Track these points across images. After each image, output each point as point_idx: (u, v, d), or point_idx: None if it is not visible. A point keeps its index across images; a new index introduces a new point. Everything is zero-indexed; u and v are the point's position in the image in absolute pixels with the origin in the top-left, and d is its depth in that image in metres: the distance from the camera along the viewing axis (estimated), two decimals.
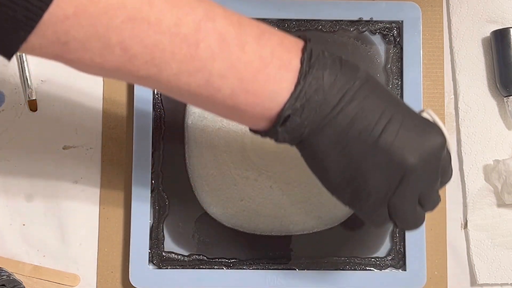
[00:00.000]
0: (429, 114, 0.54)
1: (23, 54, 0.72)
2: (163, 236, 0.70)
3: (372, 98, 0.50)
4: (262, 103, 0.48)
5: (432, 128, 0.51)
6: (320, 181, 0.53)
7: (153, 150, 0.70)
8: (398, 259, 0.70)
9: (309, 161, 0.53)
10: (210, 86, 0.47)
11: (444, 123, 0.72)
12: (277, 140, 0.51)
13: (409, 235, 0.69)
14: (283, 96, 0.48)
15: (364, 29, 0.72)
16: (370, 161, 0.50)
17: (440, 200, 0.56)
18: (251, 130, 0.53)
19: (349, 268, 0.69)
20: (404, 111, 0.51)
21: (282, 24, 0.71)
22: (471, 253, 0.71)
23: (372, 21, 0.71)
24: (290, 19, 0.71)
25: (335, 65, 0.50)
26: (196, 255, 0.70)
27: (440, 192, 0.71)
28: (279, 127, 0.49)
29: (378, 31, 0.72)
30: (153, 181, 0.70)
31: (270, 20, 0.71)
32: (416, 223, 0.55)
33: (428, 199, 0.54)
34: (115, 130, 0.72)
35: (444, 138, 0.52)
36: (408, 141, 0.50)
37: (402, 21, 0.71)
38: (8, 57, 0.43)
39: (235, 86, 0.47)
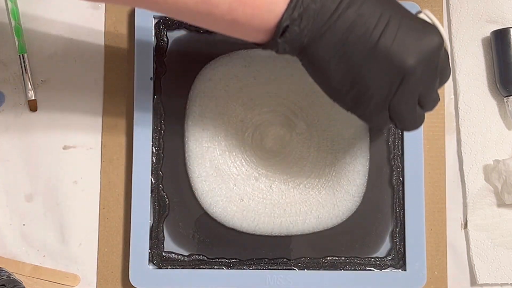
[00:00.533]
0: (426, 15, 0.54)
1: (24, 54, 0.72)
2: (163, 236, 0.70)
3: (369, 3, 0.50)
4: (260, 15, 0.49)
5: (430, 29, 0.52)
6: (322, 89, 0.54)
7: (153, 150, 0.70)
8: (398, 259, 0.70)
9: (311, 70, 0.54)
10: (208, 2, 0.48)
11: (444, 123, 0.72)
12: (277, 51, 0.52)
13: (409, 235, 0.69)
14: (280, 6, 0.49)
15: None
16: (370, 65, 0.51)
17: (439, 99, 0.57)
18: (252, 43, 0.54)
19: (349, 268, 0.69)
20: (401, 14, 0.52)
21: None
22: (471, 253, 0.71)
23: None
24: None
25: None
26: (196, 255, 0.70)
27: (440, 192, 0.71)
28: (278, 38, 0.50)
29: None
30: (153, 181, 0.70)
31: None
32: (416, 124, 0.56)
33: (428, 99, 0.55)
34: (115, 130, 0.72)
35: (441, 38, 0.52)
36: (406, 43, 0.50)
37: None
38: None
39: (232, 0, 0.48)
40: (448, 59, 0.56)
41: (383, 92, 0.52)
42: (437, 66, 0.53)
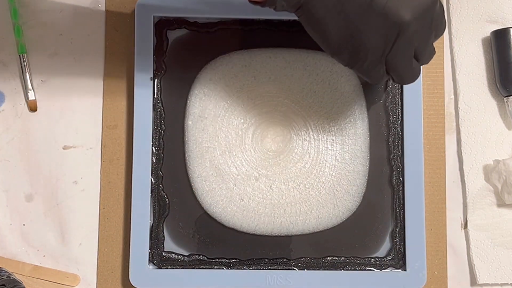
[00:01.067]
0: None
1: (23, 54, 0.72)
2: (163, 236, 0.70)
3: None
4: None
5: None
6: (320, 45, 0.56)
7: (153, 150, 0.70)
8: (398, 259, 0.70)
9: (309, 26, 0.55)
10: None
11: (444, 123, 0.72)
12: (275, 8, 0.54)
13: (409, 235, 0.69)
14: None
15: None
16: (366, 21, 0.52)
17: (435, 52, 0.58)
18: (250, 1, 0.55)
19: (349, 268, 0.69)
20: None
21: (282, 24, 0.71)
22: (471, 253, 0.71)
23: None
24: (290, 19, 0.71)
25: None
26: (196, 255, 0.70)
27: (440, 192, 0.71)
28: None
29: None
30: (153, 181, 0.70)
31: (270, 20, 0.71)
32: (413, 77, 0.57)
33: (424, 52, 0.56)
34: (115, 130, 0.72)
35: None
36: None
37: None
38: None
39: None
40: (443, 13, 0.57)
41: (379, 47, 0.53)
42: (432, 20, 0.54)
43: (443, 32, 0.58)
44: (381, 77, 0.57)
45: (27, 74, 0.72)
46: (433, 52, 0.58)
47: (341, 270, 0.69)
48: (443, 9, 0.57)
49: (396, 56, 0.54)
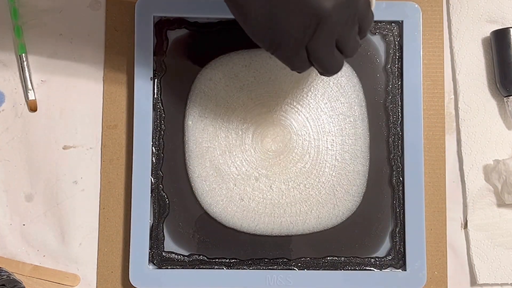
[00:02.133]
0: None
1: (23, 54, 0.72)
2: (163, 236, 0.70)
3: None
4: None
5: None
6: (243, 28, 0.55)
7: (153, 150, 0.70)
8: (398, 259, 0.70)
9: (233, 9, 0.55)
10: None
11: (444, 123, 0.72)
12: None
13: (409, 235, 0.69)
14: None
15: None
16: (287, 7, 0.52)
17: (359, 45, 0.57)
18: None
19: (349, 268, 0.69)
20: None
21: None
22: (471, 253, 0.71)
23: None
24: None
25: None
26: (196, 255, 0.70)
27: (440, 192, 0.71)
28: None
29: (378, 31, 0.72)
30: (153, 181, 0.70)
31: None
32: (334, 68, 0.57)
33: (347, 44, 0.56)
34: (115, 130, 0.72)
35: None
36: None
37: (402, 21, 0.71)
38: None
39: None
40: (369, 6, 0.57)
41: (299, 35, 0.53)
42: (356, 12, 0.54)
43: (370, 26, 0.57)
44: (303, 66, 0.56)
45: (27, 74, 0.72)
46: (357, 45, 0.57)
47: (341, 270, 0.69)
48: (370, 3, 0.57)
49: (317, 45, 0.54)
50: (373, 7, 0.58)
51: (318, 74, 0.71)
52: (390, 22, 0.72)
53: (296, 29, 0.53)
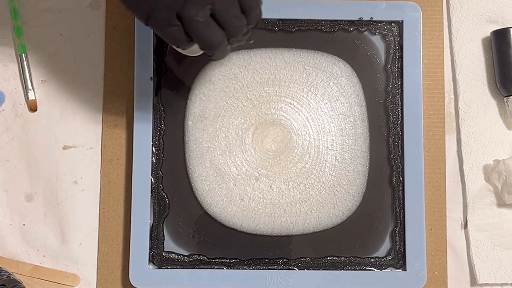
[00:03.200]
0: None
1: (23, 54, 0.72)
2: (163, 236, 0.70)
3: None
4: None
5: None
6: None
7: (153, 150, 0.70)
8: (398, 259, 0.70)
9: None
10: None
11: (444, 123, 0.72)
12: None
13: (409, 235, 0.69)
14: None
15: (364, 29, 0.72)
16: None
17: (242, 25, 0.55)
18: None
19: (349, 268, 0.69)
20: None
21: (282, 24, 0.71)
22: (471, 253, 0.71)
23: (372, 21, 0.71)
24: (290, 19, 0.71)
25: None
26: (196, 255, 0.70)
27: (440, 192, 0.71)
28: None
29: (378, 31, 0.72)
30: (153, 181, 0.70)
31: (270, 20, 0.71)
32: (213, 43, 0.55)
33: (224, 19, 0.54)
34: (115, 130, 0.72)
35: None
36: None
37: (402, 21, 0.71)
38: None
39: None
40: None
41: (169, 4, 0.52)
42: None
43: (256, 14, 0.56)
44: (180, 38, 0.55)
45: (27, 74, 0.72)
46: (240, 24, 0.55)
47: (341, 270, 0.69)
48: None
49: (189, 13, 0.52)
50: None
51: (319, 74, 0.71)
52: (390, 22, 0.72)
53: None
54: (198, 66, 0.71)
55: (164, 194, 0.70)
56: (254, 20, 0.56)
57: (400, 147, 0.70)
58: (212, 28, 0.54)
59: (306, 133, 0.71)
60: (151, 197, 0.69)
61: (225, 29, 0.55)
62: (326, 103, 0.71)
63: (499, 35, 0.71)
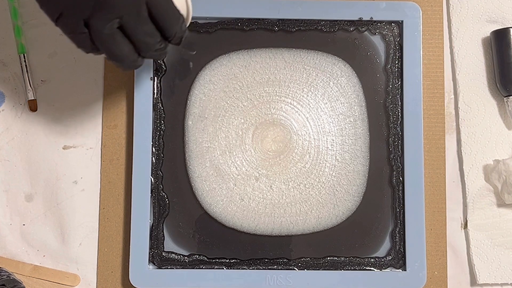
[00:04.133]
0: None
1: (23, 54, 0.72)
2: (163, 236, 0.70)
3: None
4: None
5: None
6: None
7: (153, 150, 0.70)
8: (398, 259, 0.70)
9: None
10: None
11: (444, 123, 0.72)
12: None
13: (409, 235, 0.69)
14: None
15: (364, 29, 0.72)
16: None
17: (153, 42, 0.56)
18: None
19: (349, 268, 0.69)
20: None
21: (282, 24, 0.71)
22: (471, 253, 0.71)
23: (372, 21, 0.71)
24: (290, 19, 0.71)
25: None
26: (196, 255, 0.70)
27: (440, 192, 0.71)
28: None
29: (378, 31, 0.72)
30: (153, 181, 0.70)
31: (270, 20, 0.71)
32: (117, 55, 0.55)
33: (134, 34, 0.54)
34: (115, 130, 0.72)
35: None
36: None
37: (402, 21, 0.71)
38: None
39: None
40: (169, 5, 0.55)
41: (79, 5, 0.52)
42: (145, 2, 0.53)
43: (175, 31, 0.56)
44: (85, 44, 0.55)
45: (27, 74, 0.72)
46: (151, 42, 0.55)
47: (341, 270, 0.69)
48: (170, 2, 0.55)
49: (95, 23, 0.53)
50: (188, 21, 0.58)
51: (319, 74, 0.71)
52: (390, 22, 0.72)
53: (75, 4, 0.52)
54: (198, 66, 0.71)
55: (164, 194, 0.70)
56: (174, 37, 0.56)
57: (400, 147, 0.70)
58: (118, 42, 0.54)
59: (306, 133, 0.71)
60: (151, 197, 0.69)
61: (134, 44, 0.55)
62: (326, 103, 0.71)
63: (499, 35, 0.71)
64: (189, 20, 0.60)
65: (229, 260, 0.70)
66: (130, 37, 0.55)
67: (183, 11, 0.58)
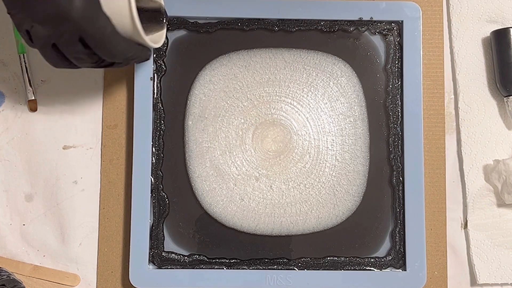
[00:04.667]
0: None
1: (24, 54, 0.72)
2: (163, 236, 0.70)
3: None
4: None
5: None
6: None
7: (153, 150, 0.70)
8: (398, 259, 0.70)
9: None
10: None
11: (444, 123, 0.72)
12: None
13: (409, 235, 0.69)
14: None
15: (364, 29, 0.72)
16: (35, 3, 0.53)
17: (86, 59, 0.57)
18: None
19: (349, 268, 0.69)
20: None
21: (282, 24, 0.71)
22: (471, 253, 0.71)
23: (372, 21, 0.71)
24: (290, 19, 0.71)
25: None
26: (196, 255, 0.70)
27: (440, 192, 0.71)
28: None
29: (378, 31, 0.72)
30: (153, 181, 0.70)
31: (270, 20, 0.71)
32: (53, 64, 0.58)
33: (66, 53, 0.56)
34: (115, 130, 0.72)
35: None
36: None
37: (402, 21, 0.71)
38: None
39: None
40: (103, 32, 0.56)
41: (45, 34, 0.54)
42: (69, 32, 0.54)
43: (105, 52, 0.57)
44: (57, 62, 0.58)
45: (27, 74, 0.72)
46: (84, 61, 0.58)
47: (341, 270, 0.69)
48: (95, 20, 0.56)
49: (61, 44, 0.55)
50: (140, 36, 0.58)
51: (319, 74, 0.71)
52: (390, 22, 0.72)
53: (42, 29, 0.54)
54: (198, 66, 0.71)
55: (164, 194, 0.70)
56: (107, 56, 0.58)
57: (400, 147, 0.70)
58: (52, 56, 0.57)
59: (306, 133, 0.71)
60: (151, 197, 0.69)
61: (69, 60, 0.58)
62: (326, 103, 0.71)
63: (499, 35, 0.71)
64: (142, 34, 0.59)
65: (229, 260, 0.70)
66: (63, 54, 0.57)
67: (128, 26, 0.58)
